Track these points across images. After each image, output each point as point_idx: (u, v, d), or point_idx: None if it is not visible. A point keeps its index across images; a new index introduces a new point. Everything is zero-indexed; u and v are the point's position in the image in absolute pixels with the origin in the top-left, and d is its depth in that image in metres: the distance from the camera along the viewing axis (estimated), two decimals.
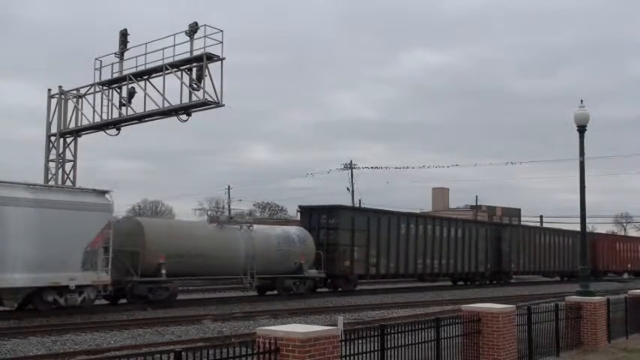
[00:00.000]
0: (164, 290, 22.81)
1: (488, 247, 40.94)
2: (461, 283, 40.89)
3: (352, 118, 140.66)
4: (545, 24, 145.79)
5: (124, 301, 22.47)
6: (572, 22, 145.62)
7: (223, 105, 23.83)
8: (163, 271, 22.66)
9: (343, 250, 30.63)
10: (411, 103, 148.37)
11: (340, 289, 30.88)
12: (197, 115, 25.15)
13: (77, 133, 27.71)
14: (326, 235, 30.73)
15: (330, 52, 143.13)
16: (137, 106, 25.91)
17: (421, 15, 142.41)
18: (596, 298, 14.86)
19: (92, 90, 27.11)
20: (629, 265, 56.30)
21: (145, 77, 25.65)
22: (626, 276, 56.11)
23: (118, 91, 26.53)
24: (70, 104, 27.78)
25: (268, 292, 28.39)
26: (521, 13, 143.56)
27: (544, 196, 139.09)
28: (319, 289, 30.70)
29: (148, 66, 25.31)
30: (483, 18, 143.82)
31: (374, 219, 32.61)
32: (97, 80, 26.80)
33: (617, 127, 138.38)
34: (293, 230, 29.91)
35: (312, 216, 31.55)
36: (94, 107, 26.97)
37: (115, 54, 26.51)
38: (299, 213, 33.40)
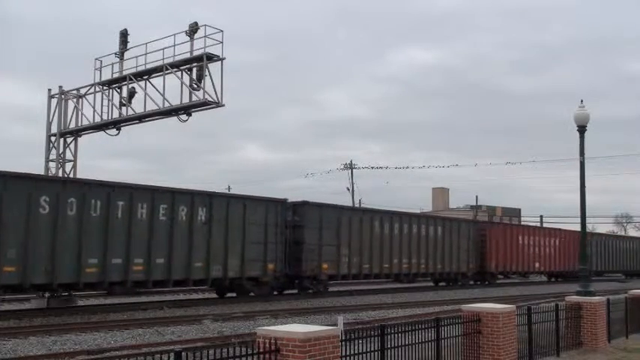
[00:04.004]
0: None
1: (268, 238, 25.31)
2: (232, 295, 25.94)
3: (348, 117, 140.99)
4: (539, 20, 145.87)
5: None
6: (566, 18, 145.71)
7: (223, 105, 23.90)
8: None
9: None
10: (408, 102, 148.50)
11: None
12: (196, 115, 25.22)
13: (77, 133, 27.75)
14: None
15: (323, 49, 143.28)
16: (137, 106, 25.98)
17: (418, 12, 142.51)
18: (596, 298, 14.86)
19: (92, 90, 27.16)
20: (537, 265, 44.17)
21: (145, 77, 25.70)
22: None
23: (118, 91, 26.56)
24: (70, 104, 27.83)
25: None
26: (516, 9, 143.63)
27: (544, 196, 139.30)
28: None
29: (148, 66, 25.36)
30: (478, 14, 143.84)
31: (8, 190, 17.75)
32: (97, 80, 26.85)
33: (617, 125, 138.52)
34: None
35: None
36: (94, 107, 27.03)
37: (115, 54, 26.57)
38: None
